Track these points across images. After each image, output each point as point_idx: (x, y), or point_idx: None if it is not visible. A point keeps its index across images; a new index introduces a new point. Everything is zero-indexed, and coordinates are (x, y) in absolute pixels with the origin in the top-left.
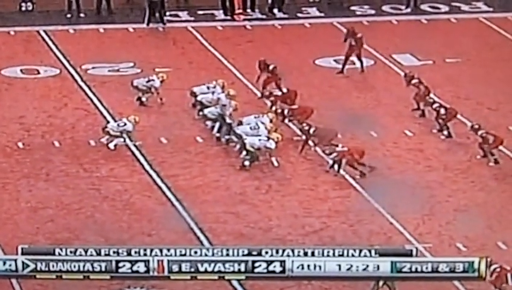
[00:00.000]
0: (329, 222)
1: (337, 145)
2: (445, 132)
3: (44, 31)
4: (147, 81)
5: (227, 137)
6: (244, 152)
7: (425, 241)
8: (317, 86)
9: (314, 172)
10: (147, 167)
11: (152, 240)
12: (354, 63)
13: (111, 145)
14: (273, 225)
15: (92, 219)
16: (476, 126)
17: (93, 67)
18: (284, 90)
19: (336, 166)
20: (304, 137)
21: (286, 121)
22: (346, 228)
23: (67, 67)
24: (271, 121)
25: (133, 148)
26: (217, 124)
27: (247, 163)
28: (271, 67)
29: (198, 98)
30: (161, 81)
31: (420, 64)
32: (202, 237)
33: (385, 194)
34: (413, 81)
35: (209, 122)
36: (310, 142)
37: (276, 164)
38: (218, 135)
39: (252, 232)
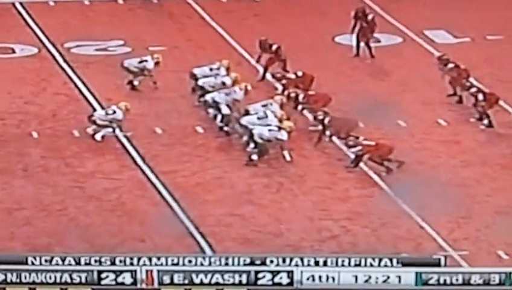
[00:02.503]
0: (349, 226)
1: (357, 137)
2: (485, 121)
3: (21, 3)
4: (139, 62)
5: (230, 127)
6: (252, 144)
7: (461, 248)
8: (336, 68)
9: (332, 168)
10: (139, 162)
11: (145, 246)
12: (379, 41)
13: (98, 137)
14: (284, 229)
15: (76, 221)
16: None
17: (77, 46)
18: (299, 73)
19: (356, 161)
20: (320, 127)
21: (299, 108)
22: (368, 233)
23: (47, 46)
24: (281, 106)
25: (123, 140)
26: (222, 111)
27: (254, 157)
28: (274, 47)
29: (199, 82)
30: (155, 62)
31: (456, 42)
32: (203, 243)
33: (414, 193)
34: (449, 66)
35: (211, 110)
36: (327, 133)
37: (288, 158)
38: (221, 124)
39: (260, 238)
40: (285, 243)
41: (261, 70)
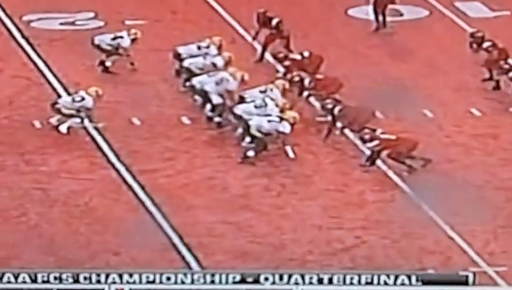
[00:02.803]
0: (365, 237)
1: (374, 130)
2: None
3: None
4: (113, 39)
5: (222, 117)
6: (248, 138)
7: (498, 263)
8: (349, 47)
9: (344, 167)
10: (113, 159)
11: (119, 260)
12: (401, 14)
13: (63, 128)
14: (287, 240)
15: (37, 230)
16: None
17: (38, 19)
18: (305, 53)
19: (373, 158)
20: (330, 118)
21: (305, 94)
22: (388, 244)
23: (2, 19)
24: (283, 93)
25: (94, 133)
26: (213, 101)
27: (251, 153)
28: (275, 21)
29: (185, 63)
30: (133, 39)
31: (493, 15)
32: (188, 257)
33: (443, 197)
34: (485, 45)
35: (199, 97)
36: (338, 125)
37: (291, 154)
38: (211, 114)
39: (259, 250)
40: (288, 256)
41: (259, 49)
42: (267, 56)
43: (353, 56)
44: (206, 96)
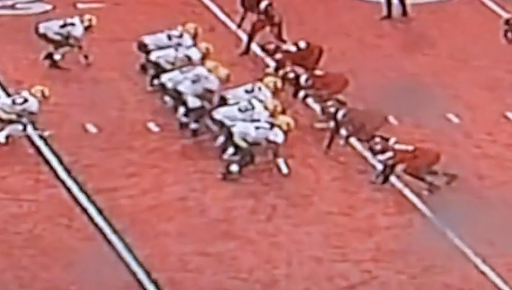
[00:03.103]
0: (376, 271)
1: (387, 139)
2: None
3: None
4: (63, 26)
5: (198, 124)
6: (231, 149)
7: None
8: (357, 36)
9: (349, 184)
10: (63, 175)
11: None
12: None
13: (1, 137)
14: (279, 276)
15: None
16: None
17: None
18: (301, 44)
19: (385, 174)
20: (332, 124)
21: (301, 95)
22: (404, 280)
23: None
24: (274, 93)
25: (39, 142)
26: (189, 104)
27: (235, 168)
28: (264, 4)
29: (152, 57)
30: (87, 27)
31: None
32: None
33: (472, 222)
34: None
35: (169, 99)
36: (342, 132)
37: (285, 169)
38: (185, 119)
39: (244, 288)
40: None
41: (245, 38)
42: (255, 47)
43: (361, 47)
44: (178, 98)
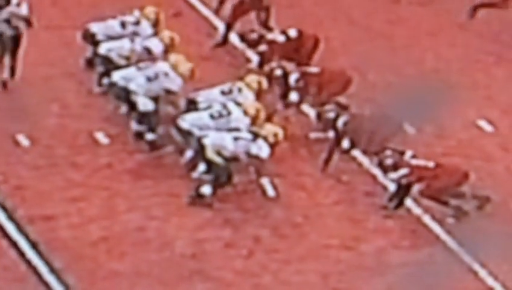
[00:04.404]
0: None
1: (402, 153)
2: None
3: None
4: None
5: (157, 133)
6: (203, 166)
7: None
8: (361, 22)
9: (354, 209)
10: None
11: None
12: None
13: None
14: None
15: None
16: None
17: None
18: (292, 32)
19: (399, 196)
20: (331, 133)
21: (293, 98)
22: None
23: None
24: (257, 95)
25: None
26: (140, 107)
27: (207, 190)
28: None
29: (102, 49)
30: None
31: None
32: None
33: (510, 257)
34: None
35: (122, 102)
36: (344, 144)
37: (271, 191)
38: (139, 128)
39: None
40: None
41: (221, 26)
42: (233, 37)
43: (367, 36)
44: (128, 99)
